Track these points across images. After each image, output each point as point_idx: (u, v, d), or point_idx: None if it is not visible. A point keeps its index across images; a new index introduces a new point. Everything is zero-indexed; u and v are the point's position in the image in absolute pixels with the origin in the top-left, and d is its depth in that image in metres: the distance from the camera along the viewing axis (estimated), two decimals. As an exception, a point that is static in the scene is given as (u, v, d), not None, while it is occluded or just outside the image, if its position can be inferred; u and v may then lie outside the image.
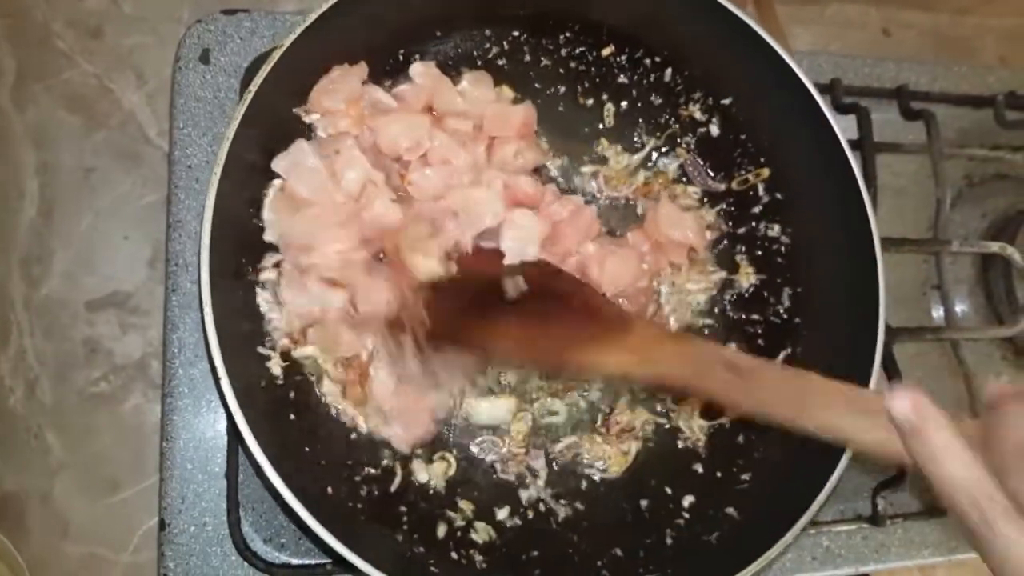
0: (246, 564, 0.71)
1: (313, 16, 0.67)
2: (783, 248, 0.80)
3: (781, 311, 0.79)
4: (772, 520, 0.66)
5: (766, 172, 0.81)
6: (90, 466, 0.88)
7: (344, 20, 0.69)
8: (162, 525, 0.72)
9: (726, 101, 0.82)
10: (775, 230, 0.81)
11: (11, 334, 0.88)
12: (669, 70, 0.82)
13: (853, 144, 0.90)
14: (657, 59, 0.82)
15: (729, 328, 0.82)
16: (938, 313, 0.94)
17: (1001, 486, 0.40)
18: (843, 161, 0.73)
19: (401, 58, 0.79)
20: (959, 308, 0.94)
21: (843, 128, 0.91)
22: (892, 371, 0.82)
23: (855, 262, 0.72)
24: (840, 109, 0.91)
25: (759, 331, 0.81)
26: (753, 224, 0.82)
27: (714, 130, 0.83)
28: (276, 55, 0.65)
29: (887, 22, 1.18)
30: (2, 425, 0.87)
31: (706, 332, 0.82)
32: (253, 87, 0.64)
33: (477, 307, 0.66)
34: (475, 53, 0.81)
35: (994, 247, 0.89)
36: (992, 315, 0.94)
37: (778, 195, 0.81)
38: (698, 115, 0.84)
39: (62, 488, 0.87)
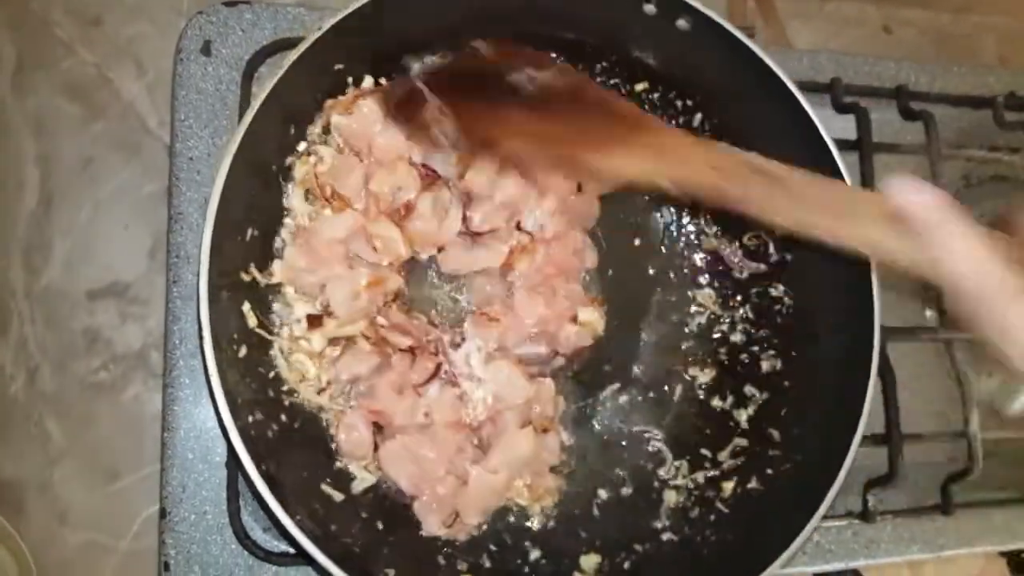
0: (246, 552, 0.72)
1: (341, 15, 0.66)
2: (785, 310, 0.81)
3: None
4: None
5: (779, 231, 0.79)
6: (90, 454, 0.89)
7: (372, 23, 0.69)
8: (163, 513, 0.73)
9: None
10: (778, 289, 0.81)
11: (12, 323, 0.89)
12: (699, 115, 0.81)
13: (851, 144, 0.90)
14: (689, 102, 0.81)
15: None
16: (931, 313, 0.95)
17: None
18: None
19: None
20: (953, 307, 0.95)
21: (842, 128, 0.93)
22: (885, 372, 0.82)
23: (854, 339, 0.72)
24: (839, 109, 0.91)
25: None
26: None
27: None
28: (293, 56, 0.65)
29: (887, 19, 1.18)
30: (3, 413, 0.87)
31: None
32: (269, 83, 0.64)
33: (489, 99, 0.64)
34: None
35: (989, 248, 0.90)
36: (986, 315, 0.95)
37: (787, 256, 0.80)
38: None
39: (62, 476, 0.88)
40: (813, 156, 0.72)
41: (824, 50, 0.97)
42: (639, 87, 0.82)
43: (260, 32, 0.81)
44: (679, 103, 0.82)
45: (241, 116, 0.75)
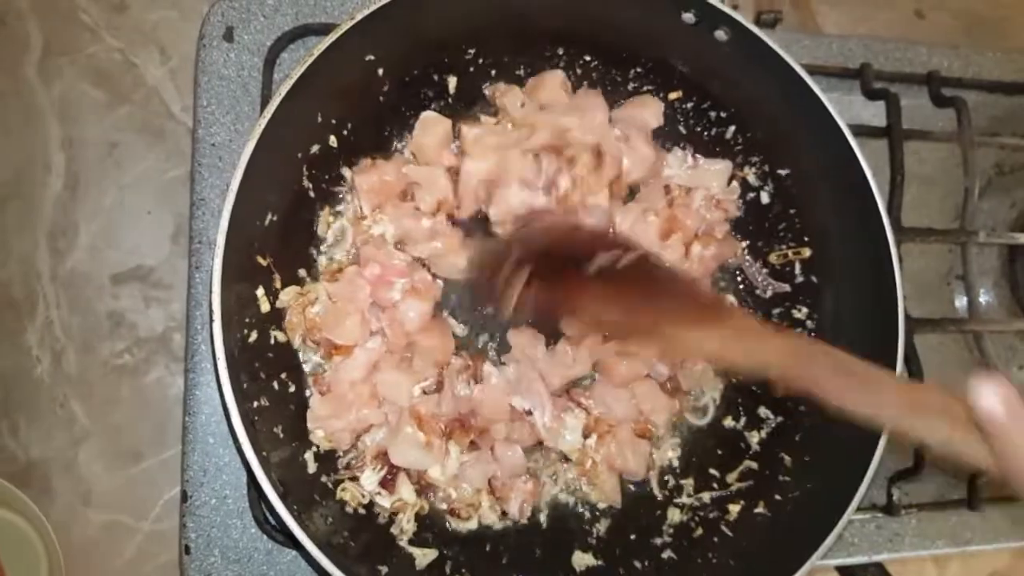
0: (265, 537, 0.72)
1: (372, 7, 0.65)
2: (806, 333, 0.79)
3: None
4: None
5: (807, 252, 0.78)
6: (113, 436, 0.90)
7: (411, 15, 0.68)
8: (184, 497, 0.73)
9: (783, 172, 0.79)
10: (801, 312, 0.79)
11: (38, 306, 0.90)
12: (732, 128, 0.80)
13: (881, 131, 0.88)
14: (723, 114, 0.80)
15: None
16: (961, 304, 0.93)
17: None
18: (888, 265, 0.69)
19: (472, 69, 0.78)
20: (983, 299, 0.93)
21: (872, 115, 0.91)
22: (912, 362, 0.81)
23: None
24: (869, 95, 0.89)
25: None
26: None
27: (764, 198, 0.81)
28: (318, 50, 0.64)
29: (919, 3, 1.15)
30: (29, 394, 0.89)
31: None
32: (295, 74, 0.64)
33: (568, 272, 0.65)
34: (545, 68, 0.80)
35: (1023, 238, 0.88)
36: (1017, 307, 0.93)
37: (813, 278, 0.78)
38: (752, 179, 0.81)
39: (86, 456, 0.89)
40: (848, 182, 0.70)
41: (854, 35, 0.95)
42: (673, 96, 0.81)
43: (282, 18, 0.81)
44: (712, 114, 0.80)
45: (264, 103, 0.75)
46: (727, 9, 0.70)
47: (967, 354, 0.91)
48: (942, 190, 0.94)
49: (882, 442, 0.65)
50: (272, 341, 0.70)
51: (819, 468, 0.72)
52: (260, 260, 0.69)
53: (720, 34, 0.72)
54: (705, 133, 0.81)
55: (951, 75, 0.95)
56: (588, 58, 0.80)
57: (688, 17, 0.72)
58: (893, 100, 0.88)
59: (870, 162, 0.90)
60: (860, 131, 0.90)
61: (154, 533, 0.89)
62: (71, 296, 0.90)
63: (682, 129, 0.83)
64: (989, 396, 0.43)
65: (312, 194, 0.74)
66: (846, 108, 0.91)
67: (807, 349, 0.59)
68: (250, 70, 0.79)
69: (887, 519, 0.83)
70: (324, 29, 0.74)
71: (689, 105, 0.81)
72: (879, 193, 0.70)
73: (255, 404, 0.64)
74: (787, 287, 0.80)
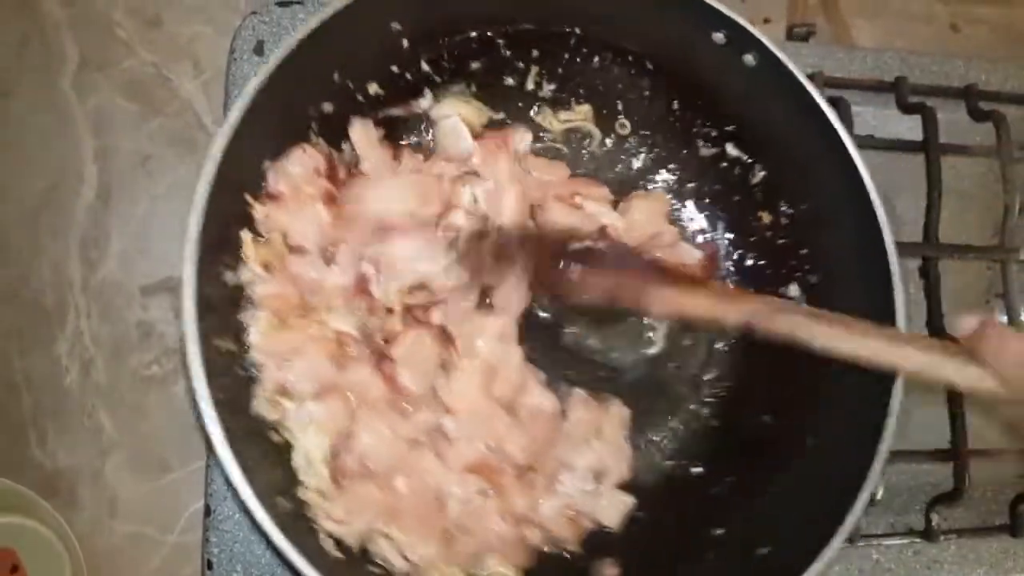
0: (288, 552, 0.72)
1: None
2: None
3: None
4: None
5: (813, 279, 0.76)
6: (141, 447, 0.90)
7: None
8: (207, 511, 0.73)
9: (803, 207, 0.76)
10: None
11: (68, 315, 0.90)
12: (746, 156, 0.78)
13: (917, 145, 0.87)
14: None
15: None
16: (1002, 323, 0.90)
17: None
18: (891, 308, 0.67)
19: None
20: (1024, 318, 0.90)
21: (908, 129, 0.89)
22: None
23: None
24: (905, 109, 0.88)
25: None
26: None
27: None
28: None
29: (955, 16, 1.13)
30: (58, 404, 0.89)
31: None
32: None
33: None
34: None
35: (1064, 256, 0.86)
36: (1060, 326, 0.90)
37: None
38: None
39: (113, 467, 0.89)
40: (862, 227, 0.67)
41: (889, 49, 0.94)
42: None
43: (312, 32, 0.81)
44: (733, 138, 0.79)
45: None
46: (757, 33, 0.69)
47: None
48: (980, 206, 0.92)
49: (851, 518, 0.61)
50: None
51: (789, 524, 0.67)
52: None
53: (748, 58, 0.70)
54: (725, 164, 0.80)
55: (988, 89, 0.93)
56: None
57: (719, 37, 0.70)
58: (929, 114, 0.86)
59: (906, 177, 0.88)
60: (896, 145, 0.88)
61: (179, 546, 0.88)
62: (101, 306, 0.91)
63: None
64: (971, 320, 0.50)
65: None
66: (881, 122, 0.90)
67: (787, 305, 0.66)
68: (280, 83, 0.79)
69: (925, 544, 0.81)
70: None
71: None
72: (891, 242, 0.67)
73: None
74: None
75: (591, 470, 0.73)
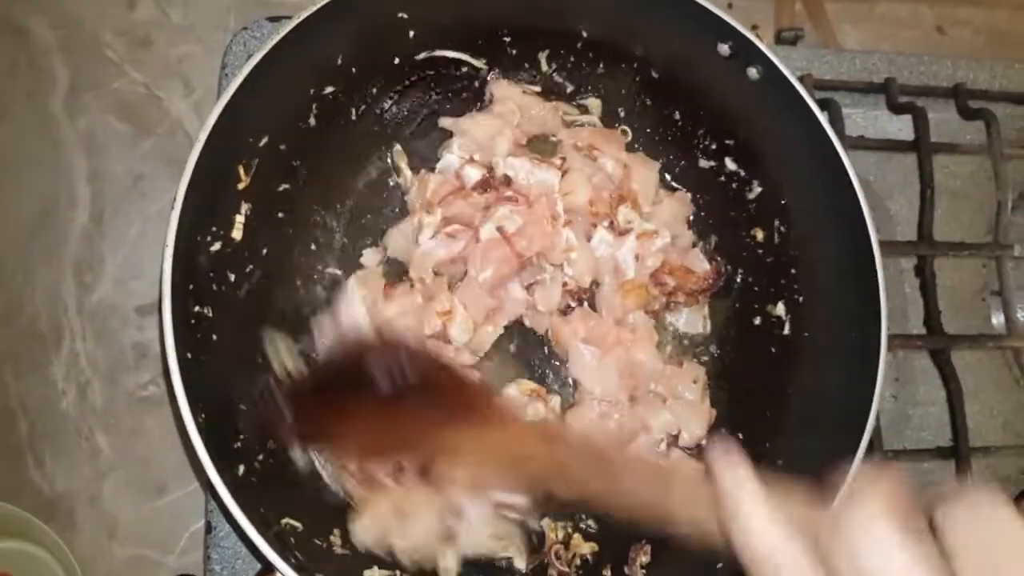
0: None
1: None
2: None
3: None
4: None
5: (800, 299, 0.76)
6: (139, 468, 0.89)
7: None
8: (208, 528, 0.72)
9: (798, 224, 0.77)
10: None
11: (64, 338, 0.90)
12: (741, 167, 0.80)
13: (909, 145, 0.87)
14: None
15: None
16: (998, 320, 0.90)
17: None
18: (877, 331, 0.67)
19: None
20: (1021, 315, 0.91)
21: (898, 129, 0.90)
22: (950, 380, 0.79)
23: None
24: (895, 109, 0.88)
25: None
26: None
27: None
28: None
29: (940, 19, 1.14)
30: (55, 427, 0.88)
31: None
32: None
33: (342, 399, 0.63)
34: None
35: (1059, 251, 0.86)
36: (1056, 322, 0.90)
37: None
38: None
39: (111, 489, 0.88)
40: (855, 245, 0.68)
41: (877, 51, 0.94)
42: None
43: (303, 47, 0.81)
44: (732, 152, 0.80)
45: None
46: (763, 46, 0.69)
47: (1006, 372, 0.89)
48: (973, 204, 0.93)
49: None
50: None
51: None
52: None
53: (752, 72, 0.71)
54: (722, 177, 0.80)
55: (977, 87, 0.93)
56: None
57: (724, 48, 0.71)
58: (920, 114, 0.87)
59: (899, 177, 0.89)
60: (887, 146, 0.89)
61: (180, 567, 0.87)
62: (96, 328, 0.90)
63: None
64: (715, 449, 0.38)
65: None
66: (872, 123, 0.91)
67: (572, 444, 0.56)
68: (272, 99, 0.79)
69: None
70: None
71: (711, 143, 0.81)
72: (880, 260, 0.67)
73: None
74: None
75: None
